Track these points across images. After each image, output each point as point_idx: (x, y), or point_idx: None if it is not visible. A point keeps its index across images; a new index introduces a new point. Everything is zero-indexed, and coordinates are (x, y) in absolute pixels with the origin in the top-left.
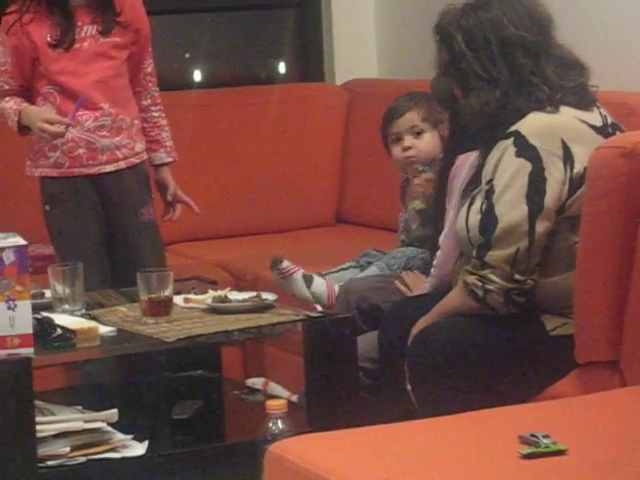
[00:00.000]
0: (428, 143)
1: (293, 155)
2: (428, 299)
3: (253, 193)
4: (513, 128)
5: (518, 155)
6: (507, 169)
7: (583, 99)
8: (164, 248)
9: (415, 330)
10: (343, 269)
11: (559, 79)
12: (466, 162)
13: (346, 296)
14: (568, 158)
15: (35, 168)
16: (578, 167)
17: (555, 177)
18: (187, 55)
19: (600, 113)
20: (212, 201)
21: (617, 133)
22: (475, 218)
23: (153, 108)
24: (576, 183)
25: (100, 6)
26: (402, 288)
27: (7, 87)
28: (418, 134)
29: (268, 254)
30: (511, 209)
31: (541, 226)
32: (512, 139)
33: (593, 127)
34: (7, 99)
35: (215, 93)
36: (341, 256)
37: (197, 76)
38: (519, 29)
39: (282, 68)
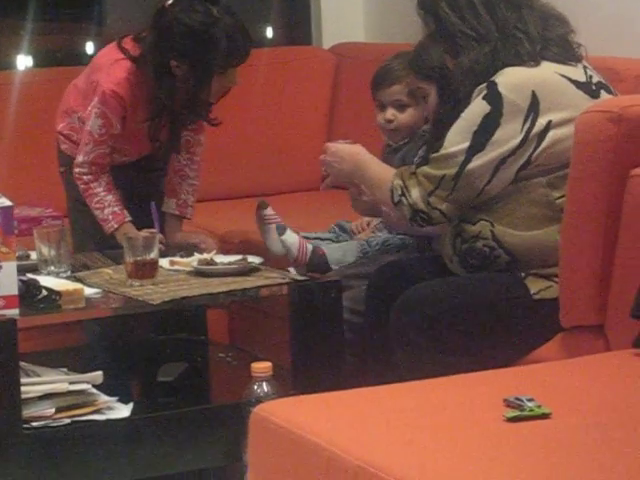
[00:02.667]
0: (410, 118)
1: (280, 119)
2: (415, 266)
3: (240, 156)
4: (493, 78)
5: (483, 98)
6: (471, 107)
7: (566, 52)
8: None
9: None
10: (320, 238)
11: (542, 30)
12: None
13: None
14: (533, 110)
15: (67, 143)
16: (542, 120)
17: (509, 127)
18: None
19: (585, 71)
20: None
21: (602, 92)
22: None
23: (183, 155)
24: (536, 135)
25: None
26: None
27: (108, 151)
28: (402, 107)
29: (254, 218)
30: (456, 140)
31: (476, 163)
32: (486, 84)
33: (574, 82)
34: (104, 184)
35: None
36: (328, 220)
37: None
38: None
39: (270, 32)
